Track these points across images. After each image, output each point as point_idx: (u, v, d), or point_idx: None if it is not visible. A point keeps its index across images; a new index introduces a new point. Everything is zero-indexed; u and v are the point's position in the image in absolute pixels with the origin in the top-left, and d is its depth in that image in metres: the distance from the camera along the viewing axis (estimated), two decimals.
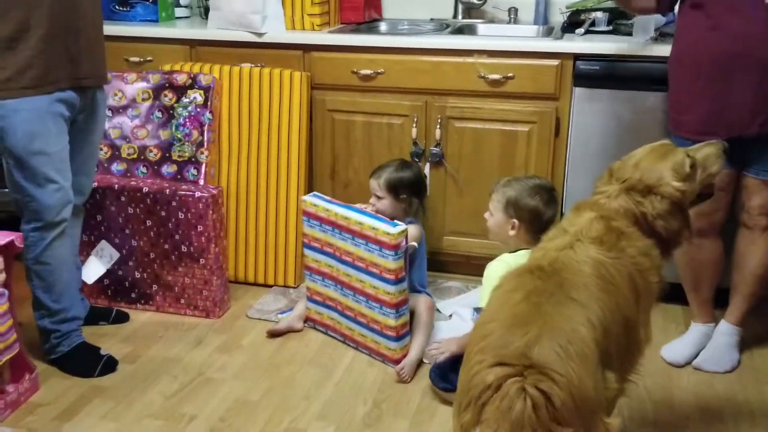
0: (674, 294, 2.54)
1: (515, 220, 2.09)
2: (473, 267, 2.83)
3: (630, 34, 2.68)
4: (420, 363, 2.35)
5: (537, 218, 2.07)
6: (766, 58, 2.05)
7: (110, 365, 2.35)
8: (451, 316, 2.67)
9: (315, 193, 2.56)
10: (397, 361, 2.33)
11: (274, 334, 2.57)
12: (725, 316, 2.40)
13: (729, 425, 2.10)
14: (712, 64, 2.12)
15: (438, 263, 2.93)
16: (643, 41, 2.58)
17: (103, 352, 2.37)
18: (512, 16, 3.13)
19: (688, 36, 2.19)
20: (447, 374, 2.14)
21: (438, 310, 2.67)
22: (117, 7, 3.17)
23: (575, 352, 1.35)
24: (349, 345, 2.50)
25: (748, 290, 2.34)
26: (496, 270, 1.96)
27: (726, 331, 2.38)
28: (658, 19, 2.62)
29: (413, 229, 2.52)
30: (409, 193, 2.62)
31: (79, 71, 2.19)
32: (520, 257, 2.03)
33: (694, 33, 2.16)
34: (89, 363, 2.33)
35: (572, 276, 1.50)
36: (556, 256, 1.55)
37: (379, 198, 2.61)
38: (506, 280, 1.57)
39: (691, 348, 2.40)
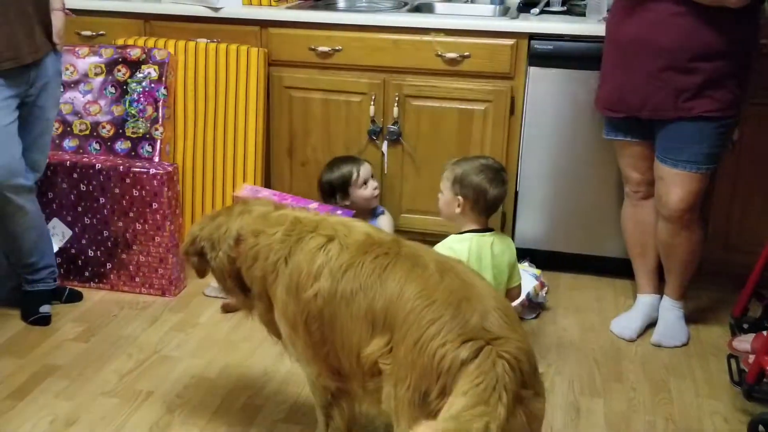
0: (624, 268, 2.63)
1: (460, 198, 2.13)
2: (429, 244, 2.83)
3: (583, 14, 2.73)
4: None
5: (481, 196, 2.10)
6: (666, 49, 2.13)
7: (42, 321, 2.46)
8: None
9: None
10: None
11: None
12: (666, 292, 2.48)
13: (674, 394, 2.19)
14: (619, 46, 2.24)
15: None
16: (595, 21, 2.63)
17: (43, 310, 2.47)
18: None
19: (612, 16, 2.30)
20: None
21: None
22: None
23: (513, 318, 1.42)
24: None
25: (679, 273, 2.42)
26: None
27: (670, 306, 2.46)
28: (609, 0, 2.67)
29: (387, 221, 2.72)
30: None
31: (21, 52, 2.18)
32: (465, 241, 2.09)
33: (617, 15, 2.27)
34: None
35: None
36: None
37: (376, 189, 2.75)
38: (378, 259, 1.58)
39: (638, 320, 2.48)
